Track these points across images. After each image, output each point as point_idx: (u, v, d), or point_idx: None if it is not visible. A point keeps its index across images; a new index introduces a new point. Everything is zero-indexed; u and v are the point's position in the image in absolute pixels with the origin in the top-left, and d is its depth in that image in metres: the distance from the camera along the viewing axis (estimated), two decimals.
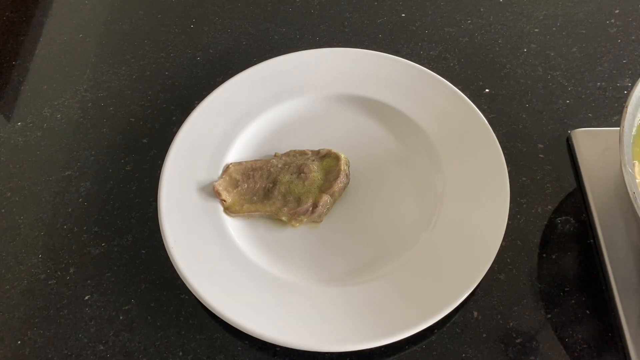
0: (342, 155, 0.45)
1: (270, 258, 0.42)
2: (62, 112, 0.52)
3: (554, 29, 0.56)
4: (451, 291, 0.38)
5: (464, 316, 0.40)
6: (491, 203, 0.41)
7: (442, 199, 0.43)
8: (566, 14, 0.57)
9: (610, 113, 0.49)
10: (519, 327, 0.39)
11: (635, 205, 0.33)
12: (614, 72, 0.52)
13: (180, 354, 0.39)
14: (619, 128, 0.36)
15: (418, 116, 0.47)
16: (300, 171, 0.44)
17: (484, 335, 0.39)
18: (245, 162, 0.46)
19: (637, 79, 0.40)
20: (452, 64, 0.53)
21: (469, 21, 0.57)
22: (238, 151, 0.47)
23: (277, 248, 0.42)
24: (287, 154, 0.46)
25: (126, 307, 0.41)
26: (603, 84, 0.51)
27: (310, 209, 0.43)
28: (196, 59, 0.55)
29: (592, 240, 0.42)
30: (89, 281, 0.42)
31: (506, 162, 0.43)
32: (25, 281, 0.43)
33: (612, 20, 0.56)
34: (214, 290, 0.39)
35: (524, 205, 0.44)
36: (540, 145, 0.47)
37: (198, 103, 0.48)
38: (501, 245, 0.40)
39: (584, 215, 0.44)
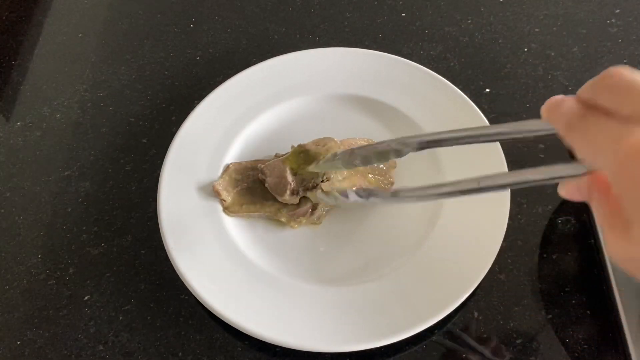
0: None
1: (270, 258, 0.42)
2: (61, 112, 0.52)
3: (554, 28, 0.55)
4: (451, 291, 0.38)
5: (464, 316, 0.40)
6: (491, 203, 0.41)
7: (442, 199, 0.43)
8: (566, 13, 0.57)
9: None
10: (519, 327, 0.39)
11: None
12: None
13: (180, 354, 0.39)
14: None
15: (418, 116, 0.47)
16: None
17: (484, 335, 0.39)
18: (245, 162, 0.46)
19: None
20: (452, 64, 0.53)
21: (469, 21, 0.57)
22: (238, 151, 0.47)
23: (276, 248, 0.42)
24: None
25: (126, 307, 0.41)
26: None
27: (310, 210, 0.43)
28: (196, 59, 0.55)
29: (592, 240, 0.42)
30: (88, 281, 0.42)
31: (506, 162, 0.43)
32: (25, 281, 0.43)
33: (613, 20, 0.56)
34: (214, 290, 0.39)
35: (524, 205, 0.44)
36: (541, 145, 0.47)
37: (198, 103, 0.48)
38: (501, 246, 0.39)
39: (584, 215, 0.43)
